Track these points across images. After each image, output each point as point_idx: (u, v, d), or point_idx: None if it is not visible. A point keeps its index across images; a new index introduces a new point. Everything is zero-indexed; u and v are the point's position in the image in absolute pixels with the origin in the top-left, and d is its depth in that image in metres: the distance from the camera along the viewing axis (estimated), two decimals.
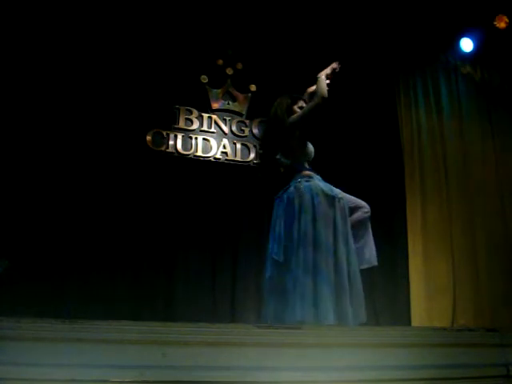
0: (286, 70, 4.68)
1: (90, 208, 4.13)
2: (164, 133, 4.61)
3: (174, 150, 4.60)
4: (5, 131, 4.00)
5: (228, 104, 4.91)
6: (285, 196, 2.76)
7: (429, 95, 5.29)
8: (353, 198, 2.87)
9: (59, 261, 3.91)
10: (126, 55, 4.54)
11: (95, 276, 3.94)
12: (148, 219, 4.28)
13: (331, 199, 2.72)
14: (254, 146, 4.81)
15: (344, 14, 4.74)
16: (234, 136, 4.84)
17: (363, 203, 2.87)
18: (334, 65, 2.95)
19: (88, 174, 4.20)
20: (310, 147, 2.94)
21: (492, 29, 4.87)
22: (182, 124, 4.70)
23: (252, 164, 4.78)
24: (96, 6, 4.39)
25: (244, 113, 4.93)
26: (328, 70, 2.92)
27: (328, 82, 2.87)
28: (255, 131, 4.88)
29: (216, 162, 4.70)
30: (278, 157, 2.85)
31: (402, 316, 4.52)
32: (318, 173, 2.89)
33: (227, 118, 4.86)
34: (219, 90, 4.91)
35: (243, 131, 4.87)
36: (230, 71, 4.96)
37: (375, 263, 2.81)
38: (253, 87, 4.97)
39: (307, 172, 2.83)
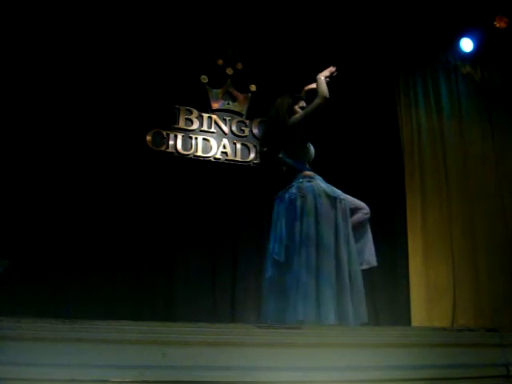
0: (286, 70, 4.68)
1: (90, 208, 4.13)
2: (164, 133, 4.61)
3: (173, 150, 4.60)
4: (5, 131, 4.00)
5: (228, 104, 4.91)
6: (286, 196, 2.76)
7: (429, 95, 5.29)
8: (353, 199, 2.87)
9: (59, 261, 3.91)
10: (126, 55, 4.54)
11: (95, 276, 3.94)
12: (148, 219, 4.28)
13: (333, 200, 2.73)
14: (254, 146, 4.80)
15: (344, 14, 4.74)
16: (234, 136, 4.83)
17: (363, 204, 2.88)
18: (332, 68, 2.96)
19: (88, 174, 4.20)
20: (311, 147, 2.94)
21: (492, 29, 4.87)
22: (181, 124, 4.70)
23: (252, 164, 4.78)
24: (96, 6, 4.39)
25: (244, 113, 4.93)
26: (326, 73, 2.93)
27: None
28: (255, 131, 4.88)
29: (216, 162, 4.70)
30: (280, 155, 2.84)
31: (402, 316, 4.52)
32: (317, 173, 2.89)
33: (227, 118, 4.86)
34: (219, 90, 4.91)
35: (243, 131, 4.87)
36: (230, 71, 4.96)
37: (375, 264, 2.81)
38: (253, 87, 4.97)
39: (308, 172, 2.83)
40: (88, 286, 3.90)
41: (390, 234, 4.85)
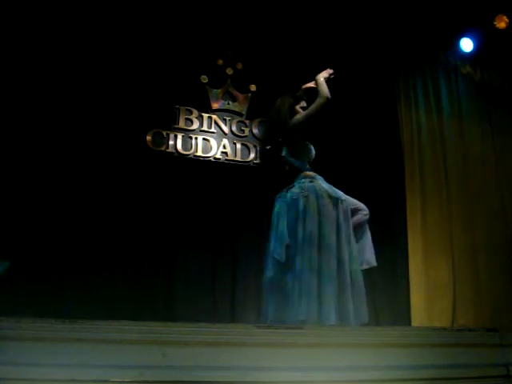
0: (286, 70, 4.68)
1: (90, 208, 4.13)
2: (164, 133, 4.61)
3: (173, 150, 4.60)
4: (5, 131, 4.00)
5: (228, 104, 4.91)
6: (288, 196, 2.75)
7: (429, 95, 5.29)
8: (353, 199, 2.88)
9: (59, 261, 3.91)
10: (126, 55, 4.54)
11: (95, 276, 3.94)
12: (148, 219, 4.28)
13: (335, 201, 2.73)
14: (254, 146, 4.80)
15: (344, 14, 4.74)
16: (234, 136, 4.83)
17: (363, 206, 2.89)
18: (330, 70, 2.97)
19: (88, 175, 4.19)
20: (311, 148, 2.95)
21: (492, 29, 4.86)
22: (182, 124, 4.70)
23: (252, 164, 4.78)
24: (96, 6, 4.39)
25: (244, 113, 4.93)
26: (325, 74, 2.94)
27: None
28: (255, 131, 4.88)
29: (216, 162, 4.70)
30: (283, 154, 2.83)
31: (402, 316, 4.51)
32: (318, 173, 2.89)
33: (227, 118, 4.86)
34: (219, 90, 4.91)
35: (243, 131, 4.87)
36: (230, 71, 4.95)
37: (375, 264, 2.82)
38: (253, 87, 4.97)
39: (310, 173, 2.83)
40: (88, 285, 3.90)
41: (390, 233, 4.85)
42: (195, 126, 4.73)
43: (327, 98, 2.82)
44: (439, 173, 5.03)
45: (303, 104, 2.98)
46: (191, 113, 4.76)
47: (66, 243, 3.97)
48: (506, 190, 4.91)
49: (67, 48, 4.35)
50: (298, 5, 4.62)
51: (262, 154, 2.93)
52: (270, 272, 2.67)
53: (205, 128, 4.76)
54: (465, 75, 5.31)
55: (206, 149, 4.70)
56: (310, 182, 2.77)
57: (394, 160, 5.04)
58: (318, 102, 2.83)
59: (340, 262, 2.61)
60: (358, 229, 2.84)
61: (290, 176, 2.82)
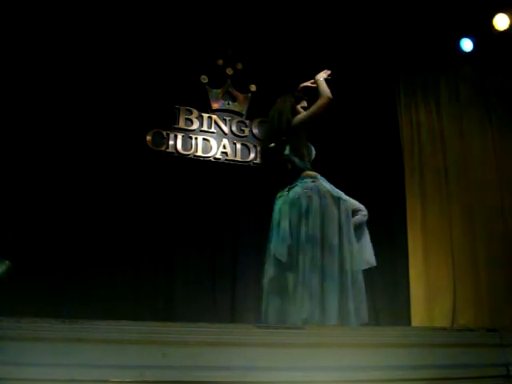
0: (286, 70, 4.68)
1: (90, 208, 4.13)
2: (164, 133, 4.61)
3: (173, 150, 4.60)
4: (5, 131, 4.00)
5: (228, 104, 4.91)
6: (290, 195, 2.74)
7: (429, 95, 5.28)
8: (352, 200, 2.88)
9: (59, 261, 3.91)
10: (126, 55, 4.54)
11: (95, 276, 3.94)
12: (148, 219, 4.28)
13: (337, 201, 2.73)
14: (254, 146, 4.81)
15: (344, 14, 4.73)
16: (234, 136, 4.84)
17: (362, 206, 2.89)
18: (328, 71, 2.96)
19: (88, 175, 4.20)
20: (312, 147, 2.95)
21: (492, 29, 4.86)
22: (182, 124, 4.70)
23: (252, 164, 4.78)
24: (96, 6, 4.39)
25: (244, 113, 4.93)
26: (324, 75, 2.94)
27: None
28: (255, 131, 4.88)
29: (216, 162, 4.70)
30: (287, 152, 2.81)
31: (402, 316, 4.52)
32: (318, 173, 2.89)
33: (227, 118, 4.86)
34: (219, 90, 4.92)
35: (243, 131, 4.88)
36: (230, 71, 4.96)
37: (374, 263, 2.82)
38: (253, 87, 4.97)
39: (311, 172, 2.83)
40: (88, 285, 3.90)
41: (389, 233, 4.85)
42: (195, 125, 4.73)
43: (329, 98, 2.81)
44: (439, 172, 5.03)
45: (304, 104, 2.98)
46: (191, 113, 4.76)
47: (66, 243, 3.98)
48: (506, 190, 4.91)
49: (67, 48, 4.36)
50: (298, 5, 4.62)
51: (265, 151, 2.89)
52: (271, 272, 2.66)
53: (205, 128, 4.76)
54: (465, 75, 5.30)
55: (206, 149, 4.70)
56: (312, 181, 2.76)
57: (393, 160, 5.04)
58: (320, 102, 2.82)
59: (342, 261, 2.61)
60: (357, 229, 2.84)
61: (291, 175, 2.81)
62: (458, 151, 5.06)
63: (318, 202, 2.68)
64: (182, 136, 4.66)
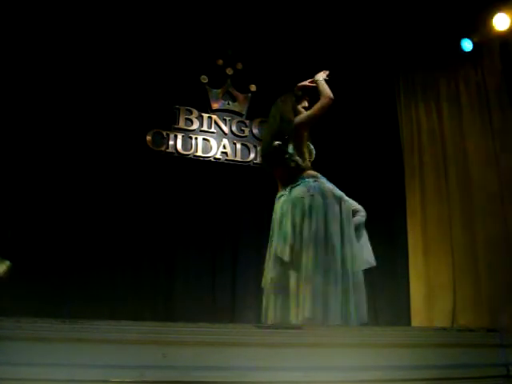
0: (286, 70, 4.67)
1: (91, 208, 4.13)
2: (164, 133, 4.62)
3: (173, 150, 4.60)
4: (6, 131, 4.00)
5: (228, 104, 4.91)
6: (292, 194, 2.74)
7: (429, 95, 5.28)
8: (351, 200, 2.88)
9: (59, 261, 3.91)
10: (126, 55, 4.54)
11: (95, 276, 3.94)
12: (148, 219, 4.28)
13: (338, 200, 2.73)
14: (254, 146, 4.81)
15: (344, 13, 4.73)
16: (234, 136, 4.84)
17: (360, 207, 2.90)
18: (326, 72, 2.96)
19: (88, 175, 4.20)
20: (312, 147, 2.94)
21: (492, 29, 4.86)
22: (182, 124, 4.70)
23: (252, 164, 4.78)
24: (96, 6, 4.39)
25: (244, 113, 4.94)
26: (323, 75, 2.94)
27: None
28: (255, 131, 4.89)
29: (216, 162, 4.71)
30: (290, 151, 2.80)
31: (402, 316, 4.52)
32: (318, 173, 2.89)
33: (227, 118, 4.86)
34: (219, 90, 4.92)
35: (243, 131, 4.88)
36: (229, 71, 4.96)
37: (374, 263, 2.81)
38: (253, 87, 4.97)
39: (313, 172, 2.82)
40: (88, 285, 3.90)
41: (390, 233, 4.85)
42: (195, 125, 4.73)
43: (331, 99, 2.81)
44: (439, 173, 5.03)
45: (305, 104, 2.97)
46: (191, 113, 4.76)
47: (66, 243, 3.98)
48: (506, 190, 4.90)
49: (67, 49, 4.36)
50: (298, 5, 4.62)
51: (267, 150, 2.86)
52: (273, 271, 2.66)
53: (205, 128, 4.76)
54: (465, 75, 5.30)
55: (206, 149, 4.70)
56: (314, 181, 2.76)
57: (394, 160, 5.04)
58: (322, 102, 2.81)
59: (343, 261, 2.61)
60: (356, 230, 2.84)
61: (292, 175, 2.80)
62: (458, 151, 5.06)
63: (321, 201, 2.68)
64: (182, 136, 4.66)
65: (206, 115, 4.80)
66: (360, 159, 4.89)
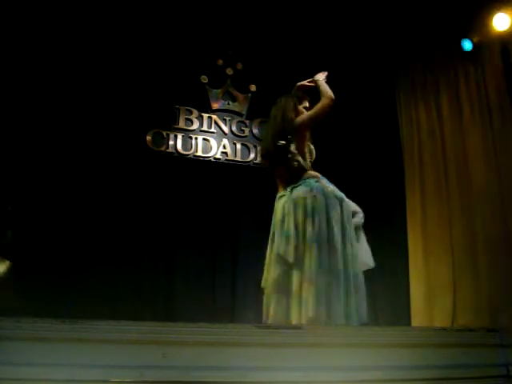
0: (286, 70, 4.67)
1: (91, 208, 4.14)
2: (164, 133, 4.62)
3: (173, 150, 4.60)
4: (7, 131, 4.00)
5: (228, 104, 4.91)
6: (294, 195, 2.73)
7: (429, 95, 5.28)
8: (351, 202, 2.88)
9: (59, 261, 3.91)
10: (126, 55, 4.54)
11: (95, 276, 3.94)
12: (148, 219, 4.28)
13: (340, 201, 2.73)
14: (254, 146, 4.81)
15: (344, 13, 4.73)
16: (234, 136, 4.84)
17: (359, 209, 2.90)
18: (325, 72, 2.96)
19: (88, 175, 4.20)
20: (312, 147, 2.94)
21: (492, 29, 4.86)
22: (182, 124, 4.71)
23: (252, 164, 4.78)
24: (96, 6, 4.39)
25: (244, 113, 4.94)
26: (323, 76, 2.94)
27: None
28: (255, 131, 4.89)
29: (216, 162, 4.71)
30: (294, 151, 2.79)
31: (402, 316, 4.52)
32: (317, 173, 2.89)
33: (227, 118, 4.86)
34: (219, 90, 4.92)
35: (243, 131, 4.88)
36: (229, 71, 4.96)
37: (372, 265, 2.81)
38: (253, 87, 4.97)
39: (314, 173, 2.82)
40: (88, 285, 3.90)
41: (390, 233, 4.85)
42: (195, 126, 4.73)
43: (332, 100, 2.80)
44: (439, 173, 5.03)
45: (306, 104, 2.97)
46: (191, 113, 4.76)
47: (67, 243, 3.98)
48: (506, 190, 4.90)
49: (68, 49, 4.36)
50: (298, 5, 4.62)
51: (276, 147, 2.84)
52: (275, 271, 2.65)
53: (205, 128, 4.76)
54: (465, 75, 5.30)
55: (206, 149, 4.70)
56: (316, 182, 2.76)
57: (393, 160, 5.04)
58: (323, 102, 2.81)
59: (345, 262, 2.61)
60: (355, 231, 2.84)
61: (294, 175, 2.80)
62: (458, 151, 5.05)
63: (323, 202, 2.68)
64: (182, 136, 4.66)
65: (205, 115, 4.80)
66: (360, 159, 4.89)
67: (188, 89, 4.77)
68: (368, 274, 2.80)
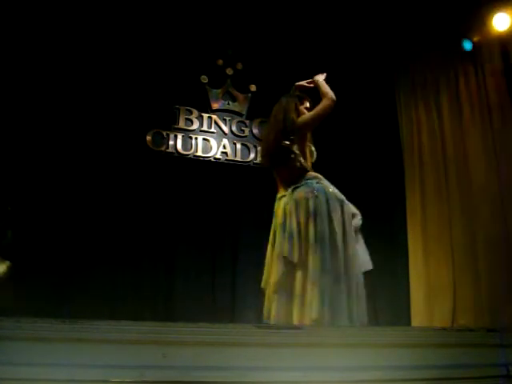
0: (286, 70, 4.67)
1: (91, 208, 4.14)
2: (164, 133, 4.62)
3: (173, 150, 4.60)
4: (6, 131, 4.00)
5: (228, 104, 4.91)
6: (295, 195, 2.73)
7: (429, 95, 5.28)
8: (350, 204, 2.88)
9: (59, 260, 3.91)
10: (126, 55, 4.54)
11: (95, 276, 3.94)
12: (148, 219, 4.28)
13: (340, 203, 2.73)
14: (254, 146, 4.81)
15: (344, 13, 4.73)
16: (234, 136, 4.84)
17: (357, 211, 2.89)
18: (324, 74, 2.96)
19: (88, 175, 4.20)
20: (313, 148, 2.94)
21: (492, 29, 4.86)
22: (182, 124, 4.71)
23: (252, 164, 4.78)
24: (96, 6, 4.39)
25: (244, 113, 4.94)
26: (322, 77, 2.94)
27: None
28: (255, 131, 4.89)
29: (216, 162, 4.71)
30: (297, 152, 2.79)
31: (402, 316, 4.52)
32: (317, 173, 2.89)
33: (227, 118, 4.86)
34: (219, 90, 4.92)
35: (243, 131, 4.88)
36: (229, 71, 4.96)
37: (370, 267, 2.81)
38: (253, 87, 4.97)
39: (315, 173, 2.82)
40: (88, 285, 3.90)
41: (390, 233, 4.85)
42: (195, 126, 4.73)
43: (333, 101, 2.80)
44: (439, 172, 5.02)
45: (307, 104, 2.96)
46: (191, 113, 4.76)
47: (67, 243, 3.98)
48: (506, 190, 4.90)
49: (68, 49, 4.36)
50: (298, 5, 4.62)
51: (279, 147, 2.83)
52: (278, 271, 2.64)
53: (205, 128, 4.76)
54: (465, 75, 5.30)
55: (206, 149, 4.70)
56: (318, 182, 2.76)
57: (393, 160, 5.04)
58: (325, 103, 2.80)
59: (346, 263, 2.61)
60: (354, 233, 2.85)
61: (295, 176, 2.80)
62: (458, 151, 5.05)
63: (325, 203, 2.68)
64: (182, 136, 4.66)
65: (205, 115, 4.80)
66: (360, 159, 4.89)
67: (188, 89, 4.77)
68: (368, 274, 2.80)
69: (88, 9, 4.37)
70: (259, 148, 4.61)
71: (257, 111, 4.85)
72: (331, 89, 2.87)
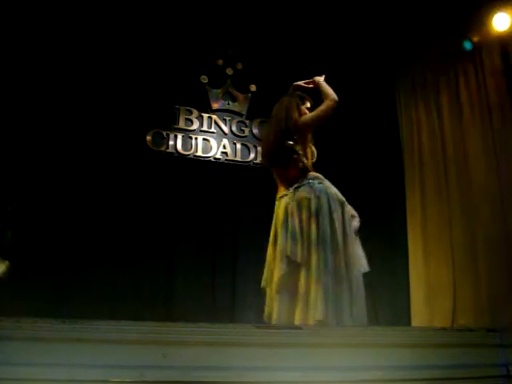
0: (286, 70, 4.67)
1: (91, 208, 4.14)
2: (164, 133, 4.62)
3: (173, 150, 4.60)
4: (6, 131, 4.00)
5: (228, 104, 4.91)
6: (297, 195, 2.73)
7: (429, 95, 5.28)
8: (349, 206, 2.88)
9: (59, 260, 3.91)
10: (126, 55, 4.54)
11: (95, 276, 3.94)
12: (148, 219, 4.28)
13: (341, 203, 2.74)
14: (254, 146, 4.81)
15: (344, 13, 4.73)
16: (234, 136, 4.84)
17: (355, 213, 2.89)
18: (324, 76, 2.96)
19: (88, 175, 4.20)
20: (314, 149, 2.94)
21: (492, 29, 4.86)
22: (182, 124, 4.70)
23: (252, 164, 4.78)
24: (96, 6, 4.39)
25: (244, 113, 4.93)
26: (321, 78, 2.94)
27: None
28: (255, 131, 4.89)
29: (216, 162, 4.71)
30: (300, 152, 2.78)
31: (402, 316, 4.52)
32: (317, 173, 2.89)
33: (227, 118, 4.86)
34: (219, 90, 4.92)
35: (243, 131, 4.88)
36: (229, 71, 4.96)
37: (367, 269, 2.80)
38: (253, 87, 4.97)
39: (316, 174, 2.82)
40: (88, 285, 3.90)
41: (389, 233, 4.85)
42: (195, 126, 4.73)
43: (335, 101, 2.80)
44: (439, 172, 5.02)
45: (308, 105, 2.96)
46: (191, 113, 4.76)
47: (66, 243, 3.98)
48: (506, 190, 4.90)
49: (67, 49, 4.36)
50: (298, 5, 4.62)
51: (283, 148, 2.83)
52: (280, 271, 2.63)
53: (205, 128, 4.76)
54: (465, 74, 5.30)
55: (206, 149, 4.70)
56: (319, 183, 2.76)
57: (393, 160, 5.04)
58: (327, 104, 2.80)
59: (347, 263, 2.62)
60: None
61: (296, 175, 2.79)
62: (458, 151, 5.05)
63: (327, 203, 2.68)
64: (182, 136, 4.66)
65: (205, 115, 4.80)
66: (360, 159, 4.89)
67: (188, 89, 4.77)
68: (368, 274, 2.80)
69: (88, 9, 4.37)
70: (259, 148, 4.61)
71: (257, 111, 4.85)
72: (332, 88, 2.87)
